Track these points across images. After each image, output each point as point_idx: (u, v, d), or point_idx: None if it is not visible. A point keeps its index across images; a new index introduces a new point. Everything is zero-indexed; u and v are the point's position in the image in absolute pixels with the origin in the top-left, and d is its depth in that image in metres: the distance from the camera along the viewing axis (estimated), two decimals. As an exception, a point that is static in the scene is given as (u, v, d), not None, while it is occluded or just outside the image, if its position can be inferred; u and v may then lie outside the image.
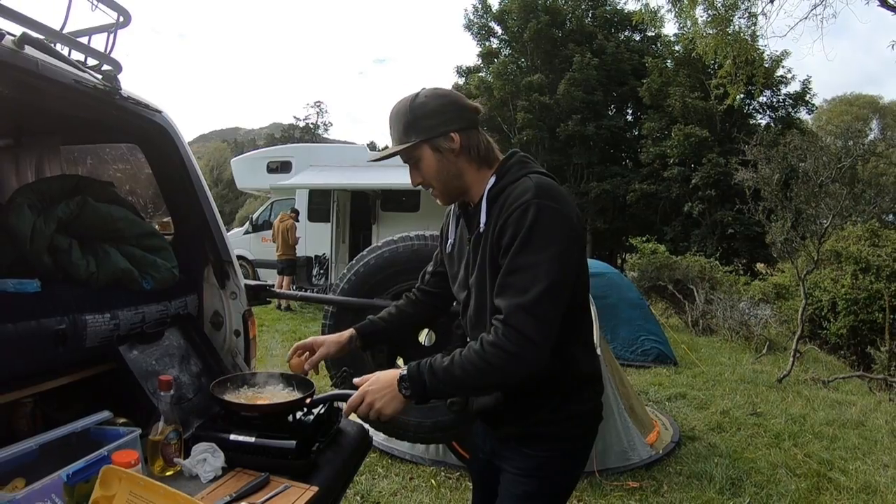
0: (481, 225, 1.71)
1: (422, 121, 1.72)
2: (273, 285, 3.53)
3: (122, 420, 2.05)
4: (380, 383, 1.71)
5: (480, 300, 1.77)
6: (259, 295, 2.89)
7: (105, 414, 2.02)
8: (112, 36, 2.26)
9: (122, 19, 2.24)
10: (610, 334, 7.88)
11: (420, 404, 1.74)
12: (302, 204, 15.37)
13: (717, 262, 14.58)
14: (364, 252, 3.39)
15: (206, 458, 1.86)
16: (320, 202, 15.62)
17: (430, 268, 2.18)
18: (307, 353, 2.18)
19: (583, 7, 33.03)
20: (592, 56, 30.05)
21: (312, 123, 64.65)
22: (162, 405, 1.88)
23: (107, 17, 2.23)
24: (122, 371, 2.17)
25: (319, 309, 10.05)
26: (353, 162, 15.76)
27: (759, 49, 11.14)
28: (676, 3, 10.51)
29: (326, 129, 65.62)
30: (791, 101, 28.70)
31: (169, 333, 2.51)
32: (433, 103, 1.73)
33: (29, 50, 1.91)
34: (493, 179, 1.74)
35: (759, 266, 22.87)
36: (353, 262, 3.36)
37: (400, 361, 3.34)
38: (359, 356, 3.20)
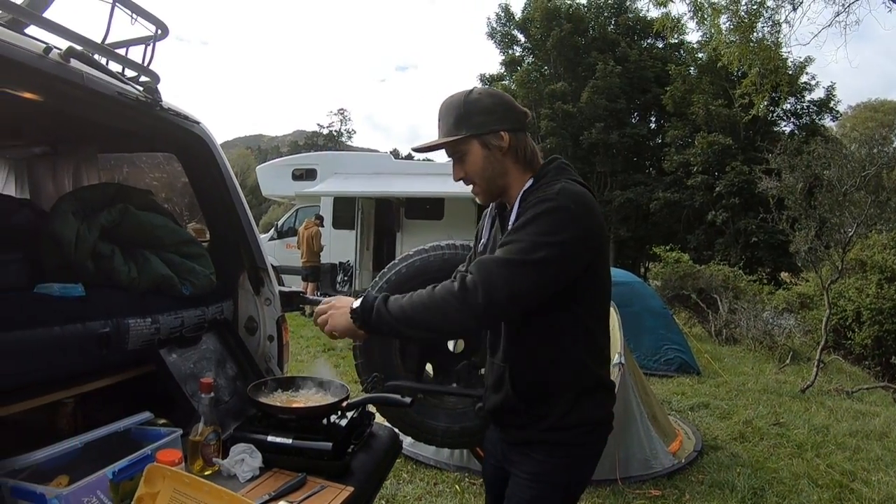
0: (509, 225, 1.72)
1: (474, 116, 1.76)
2: (304, 292, 3.58)
3: (162, 421, 2.11)
4: (341, 302, 1.81)
5: (509, 324, 1.81)
6: (292, 301, 2.95)
7: (146, 415, 2.09)
8: (150, 48, 2.33)
9: (159, 32, 2.32)
10: (633, 343, 7.81)
11: (368, 332, 1.76)
12: (326, 211, 15.48)
13: (740, 271, 14.46)
14: (395, 260, 3.43)
15: (244, 459, 1.92)
16: (345, 209, 15.74)
17: (462, 268, 2.16)
18: None
19: (605, 14, 32.99)
20: (615, 64, 29.98)
21: (336, 131, 65.01)
22: (202, 407, 1.94)
23: (145, 29, 2.31)
24: (162, 373, 2.24)
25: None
26: (377, 170, 15.88)
27: (782, 56, 11.07)
28: (698, 11, 10.50)
29: (350, 137, 65.98)
30: (815, 108, 28.42)
31: (206, 338, 2.57)
32: (487, 101, 1.77)
33: (74, 63, 1.97)
34: (530, 181, 1.77)
35: (784, 275, 22.65)
36: (385, 270, 3.41)
37: (429, 367, 3.39)
38: (390, 361, 3.26)
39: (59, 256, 2.29)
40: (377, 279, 3.43)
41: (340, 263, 14.96)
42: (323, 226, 13.86)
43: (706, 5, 10.27)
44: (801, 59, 25.02)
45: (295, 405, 2.18)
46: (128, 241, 2.51)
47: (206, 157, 2.75)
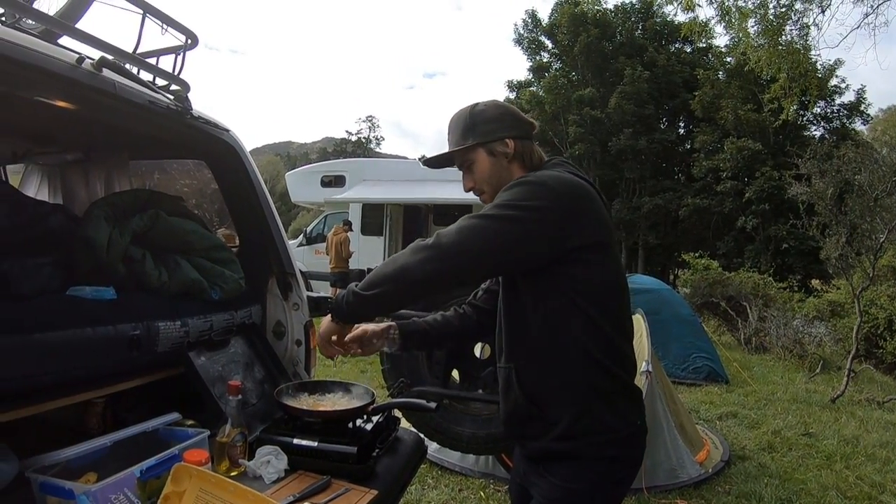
0: None
1: (480, 126, 1.80)
2: (333, 298, 3.61)
3: (190, 422, 2.15)
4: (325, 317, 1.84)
5: (508, 320, 1.81)
6: (320, 306, 2.97)
7: (174, 415, 2.13)
8: (181, 57, 2.39)
9: (189, 41, 2.37)
10: (661, 351, 7.74)
11: (346, 320, 1.79)
12: (355, 217, 15.57)
13: (770, 278, 14.29)
14: None
15: (269, 461, 1.95)
16: (373, 216, 15.83)
17: (485, 284, 2.16)
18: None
19: (633, 20, 32.89)
20: (643, 69, 29.87)
21: (364, 138, 65.34)
22: (229, 409, 1.97)
23: (175, 39, 2.36)
24: (190, 375, 2.27)
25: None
26: (405, 176, 15.94)
27: (811, 60, 10.94)
28: (725, 15, 10.41)
29: (378, 144, 66.28)
30: (845, 112, 28.07)
31: (234, 341, 2.60)
32: (492, 111, 1.82)
33: (106, 72, 2.02)
34: None
35: (815, 282, 22.34)
36: None
37: (455, 374, 3.41)
38: (416, 368, 3.29)
39: (92, 260, 2.34)
40: None
41: (369, 269, 14.92)
42: (352, 230, 13.92)
43: (733, 9, 10.18)
44: (831, 62, 24.72)
45: (321, 409, 2.21)
46: (159, 245, 2.56)
47: (235, 165, 2.79)
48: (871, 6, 9.50)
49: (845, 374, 7.77)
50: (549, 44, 34.89)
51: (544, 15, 34.84)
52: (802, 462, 5.28)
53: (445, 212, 15.72)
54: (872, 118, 31.01)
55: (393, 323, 2.10)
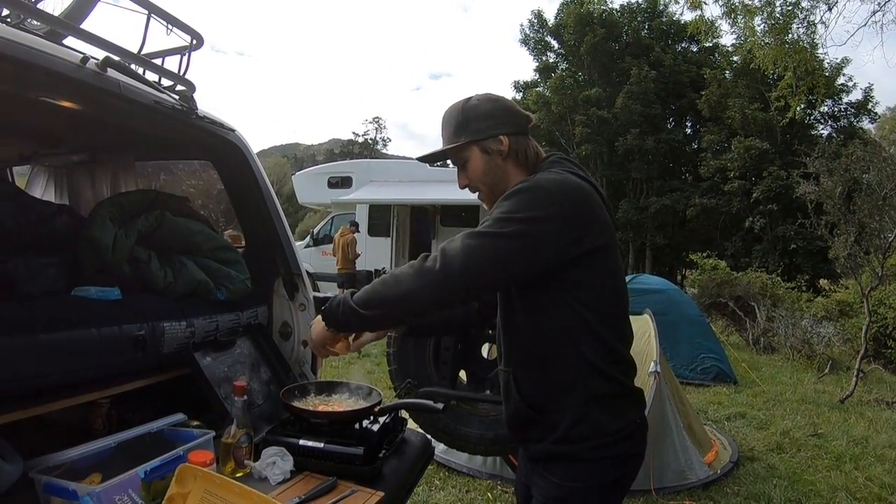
0: None
1: (473, 123, 1.75)
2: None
3: (195, 423, 2.14)
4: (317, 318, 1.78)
5: (505, 324, 1.80)
6: (327, 307, 2.98)
7: (179, 416, 2.13)
8: (186, 58, 2.38)
9: (194, 42, 2.36)
10: (669, 352, 7.67)
11: (338, 329, 1.73)
12: (362, 218, 15.60)
13: (778, 278, 14.23)
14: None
15: (275, 462, 1.93)
16: (380, 217, 15.86)
17: None
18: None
19: (639, 19, 32.78)
20: (650, 69, 29.77)
21: (371, 139, 65.45)
22: (235, 410, 1.96)
23: (180, 39, 2.35)
24: (196, 376, 2.27)
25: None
26: (412, 177, 15.95)
27: (818, 58, 10.87)
28: (731, 13, 10.36)
29: (385, 145, 66.38)
30: (853, 111, 27.82)
31: (240, 342, 2.60)
32: (485, 107, 1.77)
33: (111, 73, 2.01)
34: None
35: (823, 282, 22.25)
36: None
37: (462, 375, 3.39)
38: (423, 369, 3.27)
39: (97, 260, 2.35)
40: None
41: (376, 270, 15.02)
42: (358, 232, 13.94)
43: (740, 7, 10.13)
44: (838, 61, 24.54)
45: (326, 409, 2.20)
46: (165, 246, 2.57)
47: (241, 165, 2.79)
48: (879, 4, 9.43)
49: (854, 374, 7.73)
50: (555, 44, 34.83)
51: (550, 15, 34.86)
52: (811, 463, 5.26)
53: (452, 212, 15.74)
54: (880, 117, 30.88)
55: None
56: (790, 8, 9.81)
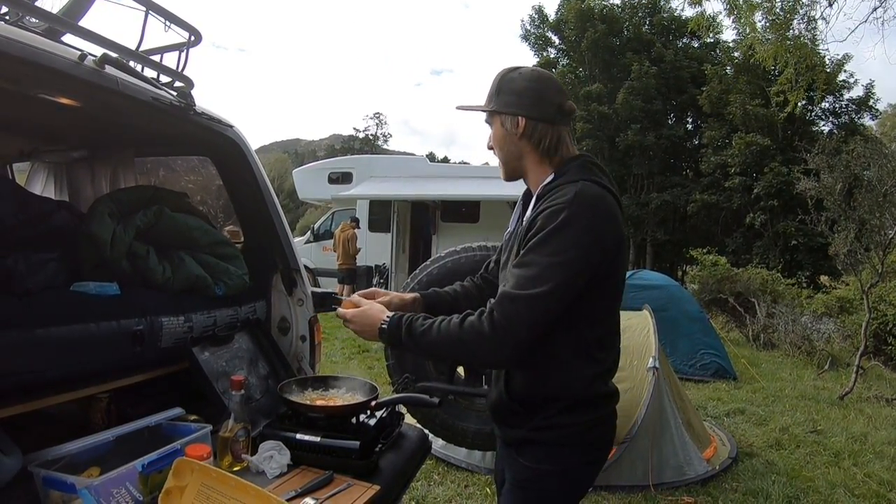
0: (525, 218, 1.74)
1: (503, 94, 1.78)
2: (338, 293, 3.63)
3: (193, 417, 2.17)
4: (367, 318, 1.80)
5: None
6: (325, 302, 2.98)
7: (177, 410, 2.15)
8: (184, 54, 2.39)
9: (192, 38, 2.37)
10: (669, 348, 7.69)
11: (390, 344, 1.77)
12: (362, 214, 15.59)
13: (779, 274, 14.24)
14: (427, 262, 3.44)
15: (272, 456, 1.95)
16: (381, 212, 15.85)
17: (494, 256, 2.17)
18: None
19: (640, 15, 32.67)
20: (651, 64, 29.69)
21: (372, 135, 65.39)
22: (232, 404, 1.98)
23: (179, 36, 2.36)
24: (194, 371, 2.29)
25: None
26: (412, 173, 15.94)
27: (819, 54, 10.84)
28: (734, 9, 10.34)
29: (386, 141, 66.30)
30: (854, 107, 27.74)
31: (239, 337, 2.62)
32: (520, 83, 1.77)
33: (109, 69, 2.02)
34: (551, 176, 1.75)
35: (823, 278, 22.21)
36: (417, 271, 3.41)
37: (461, 370, 3.41)
38: (421, 364, 3.29)
39: (96, 256, 2.36)
40: (408, 280, 3.44)
41: (376, 266, 15.03)
42: (359, 228, 13.94)
43: (741, 2, 10.11)
44: (839, 57, 24.47)
45: (323, 404, 2.21)
46: (163, 241, 2.58)
47: (239, 160, 2.80)
48: (879, 0, 9.43)
49: (854, 370, 7.70)
50: (556, 40, 34.72)
51: (551, 11, 34.59)
52: (810, 459, 5.26)
53: (453, 208, 15.72)
54: (881, 113, 30.71)
55: (418, 296, 2.13)
56: (791, 3, 9.79)
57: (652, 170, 30.03)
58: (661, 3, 31.88)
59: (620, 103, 29.28)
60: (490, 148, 1.88)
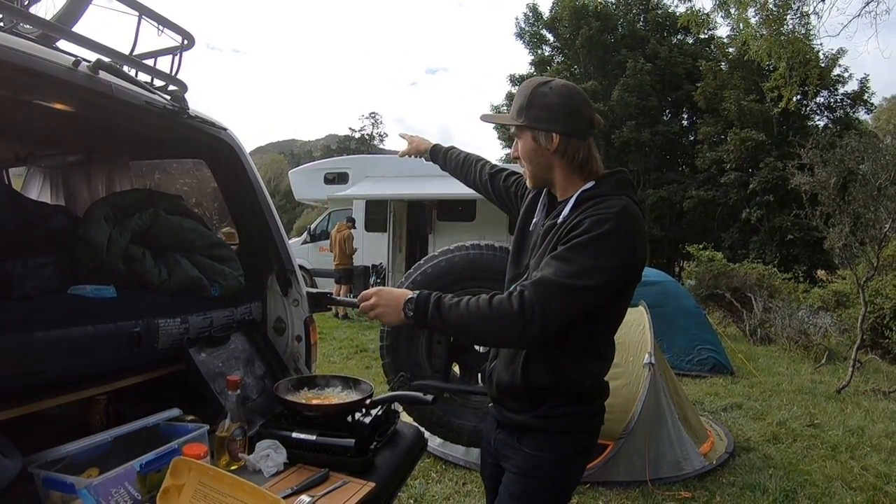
0: (561, 217, 1.76)
1: (534, 109, 1.79)
2: (332, 293, 3.64)
3: (190, 417, 2.19)
4: (390, 297, 1.81)
5: None
6: (320, 302, 3.01)
7: (175, 411, 2.18)
8: (177, 58, 2.41)
9: (185, 42, 2.39)
10: (665, 343, 7.71)
11: (417, 325, 1.78)
12: (359, 214, 15.61)
13: (775, 269, 14.25)
14: (421, 261, 3.45)
15: (268, 454, 1.98)
16: (377, 212, 15.86)
17: (514, 178, 2.29)
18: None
19: (634, 12, 32.66)
20: (646, 61, 29.66)
21: (368, 134, 65.28)
22: (228, 404, 2.01)
23: (171, 40, 2.38)
24: (191, 371, 2.31)
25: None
26: (408, 172, 15.93)
27: (813, 49, 10.84)
28: (723, 5, 10.36)
29: (382, 140, 66.17)
30: (849, 101, 27.70)
31: (235, 338, 2.64)
32: (552, 98, 1.79)
33: (103, 74, 2.05)
34: (591, 183, 1.79)
35: (820, 273, 22.23)
36: (411, 270, 3.42)
37: (456, 368, 3.41)
38: (417, 362, 3.29)
39: (92, 259, 2.39)
40: (403, 279, 3.45)
41: (373, 266, 15.04)
42: (355, 228, 13.95)
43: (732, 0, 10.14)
44: (834, 52, 24.48)
45: (318, 402, 2.24)
46: (159, 244, 2.61)
47: (233, 163, 2.82)
48: (871, -6, 9.45)
49: (851, 364, 7.72)
50: (550, 37, 34.65)
51: (545, 9, 34.61)
52: (807, 453, 5.28)
53: (449, 207, 15.72)
54: (876, 107, 30.71)
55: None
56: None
57: (648, 166, 30.02)
58: (655, 0, 31.86)
59: (615, 100, 29.26)
60: (515, 158, 1.91)
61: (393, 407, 2.46)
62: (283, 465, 2.00)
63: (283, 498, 1.74)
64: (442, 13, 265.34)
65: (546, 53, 34.85)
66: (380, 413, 2.29)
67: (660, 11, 31.67)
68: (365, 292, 1.87)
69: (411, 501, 4.03)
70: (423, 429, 3.02)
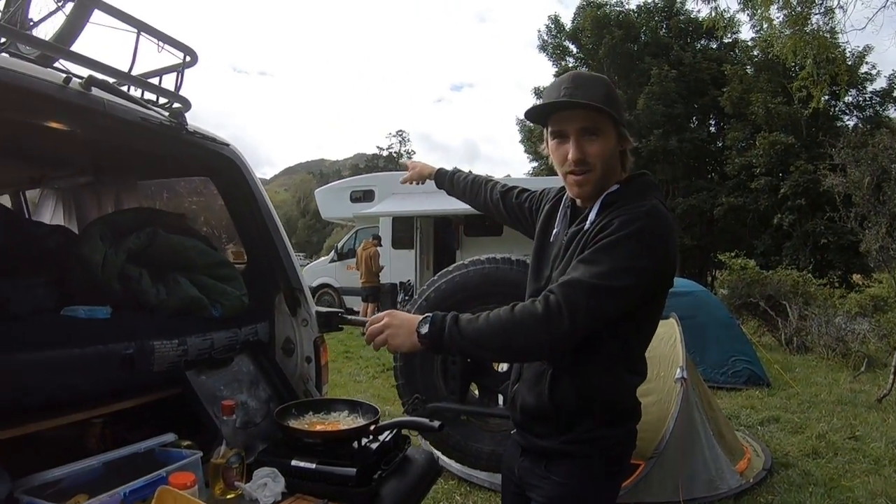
0: (588, 222, 1.66)
1: (617, 104, 1.66)
2: (352, 309, 3.57)
3: (186, 443, 2.11)
4: (403, 318, 1.69)
5: None
6: (330, 322, 2.91)
7: (169, 436, 2.09)
8: (180, 75, 2.37)
9: (188, 59, 2.36)
10: (698, 356, 7.55)
11: (433, 352, 1.69)
12: (385, 231, 15.66)
13: (810, 275, 13.95)
14: (435, 277, 3.38)
15: (266, 483, 1.89)
16: (404, 229, 15.91)
17: (517, 192, 2.25)
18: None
19: (656, 19, 32.49)
20: (670, 68, 29.47)
21: (395, 152, 65.81)
22: (225, 429, 1.94)
23: (174, 57, 2.34)
24: (189, 395, 2.24)
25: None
26: (434, 189, 15.94)
27: (839, 46, 10.63)
28: (748, 4, 10.20)
29: (409, 157, 66.60)
30: (878, 99, 27.21)
31: (239, 359, 2.56)
32: (618, 95, 1.71)
33: (96, 91, 2.01)
34: (616, 186, 1.69)
35: (855, 277, 21.77)
36: (425, 287, 3.35)
37: (475, 389, 3.32)
38: (432, 383, 3.20)
39: (87, 279, 2.36)
40: (417, 296, 3.37)
41: (401, 283, 15.03)
42: (381, 245, 13.95)
43: (757, -1, 9.99)
44: (860, 49, 24.05)
45: (323, 428, 2.15)
46: (158, 263, 2.56)
47: (237, 179, 2.78)
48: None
49: (892, 371, 7.46)
50: (573, 48, 34.59)
51: (567, 20, 34.51)
52: (849, 468, 5.08)
53: (476, 222, 15.69)
54: (907, 103, 30.15)
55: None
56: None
57: (676, 175, 29.76)
58: (678, 6, 31.70)
59: (641, 109, 29.09)
60: (579, 159, 1.66)
61: (403, 432, 2.36)
62: (281, 495, 1.90)
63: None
64: (464, 30, 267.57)
65: (570, 64, 34.76)
66: (388, 438, 2.19)
67: (682, 17, 31.49)
68: (376, 318, 1.74)
69: (434, 523, 3.93)
70: (438, 453, 2.93)
